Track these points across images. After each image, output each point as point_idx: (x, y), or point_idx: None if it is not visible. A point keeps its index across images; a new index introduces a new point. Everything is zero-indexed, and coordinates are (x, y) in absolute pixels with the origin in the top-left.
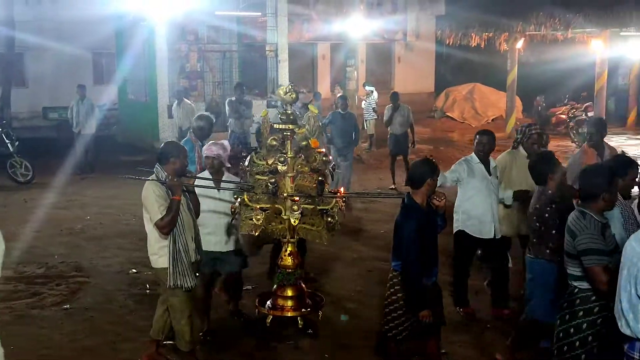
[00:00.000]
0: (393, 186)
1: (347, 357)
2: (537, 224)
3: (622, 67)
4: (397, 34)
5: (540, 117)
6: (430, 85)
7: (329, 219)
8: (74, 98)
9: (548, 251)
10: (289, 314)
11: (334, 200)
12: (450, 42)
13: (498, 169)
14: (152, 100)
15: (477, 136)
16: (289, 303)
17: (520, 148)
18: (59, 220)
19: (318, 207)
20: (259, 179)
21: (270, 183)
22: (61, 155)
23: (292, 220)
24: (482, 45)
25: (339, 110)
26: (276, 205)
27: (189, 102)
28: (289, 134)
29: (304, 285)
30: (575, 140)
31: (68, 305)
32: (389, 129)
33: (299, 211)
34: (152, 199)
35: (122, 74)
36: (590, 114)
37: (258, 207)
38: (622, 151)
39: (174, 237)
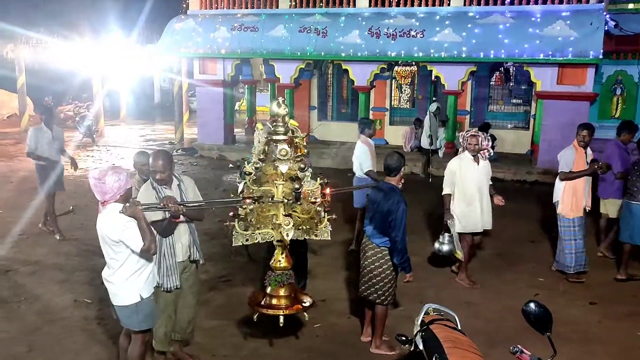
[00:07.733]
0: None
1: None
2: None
3: (111, 75)
4: None
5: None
6: None
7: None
8: None
9: None
10: (284, 313)
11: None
12: None
13: (450, 170)
14: None
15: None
16: (282, 302)
17: (466, 152)
18: None
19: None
20: (265, 189)
21: (295, 189)
22: None
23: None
24: None
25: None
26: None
27: None
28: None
29: (294, 285)
30: (81, 131)
31: None
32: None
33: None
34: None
35: None
36: (91, 110)
37: (274, 213)
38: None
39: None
